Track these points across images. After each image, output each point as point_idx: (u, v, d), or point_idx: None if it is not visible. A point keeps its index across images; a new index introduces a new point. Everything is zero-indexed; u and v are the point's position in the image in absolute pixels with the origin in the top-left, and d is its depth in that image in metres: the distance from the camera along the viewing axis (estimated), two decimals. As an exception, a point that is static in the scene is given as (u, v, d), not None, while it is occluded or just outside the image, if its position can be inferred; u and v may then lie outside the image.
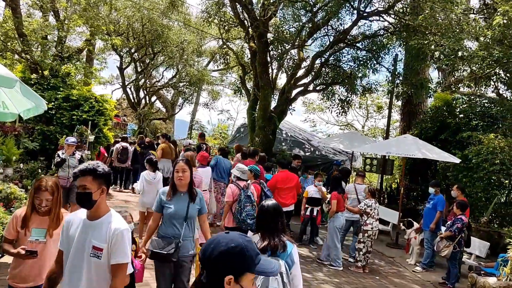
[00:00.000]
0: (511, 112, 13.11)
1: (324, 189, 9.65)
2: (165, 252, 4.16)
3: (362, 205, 8.51)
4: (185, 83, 24.42)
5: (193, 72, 22.50)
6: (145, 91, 24.72)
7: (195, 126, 30.55)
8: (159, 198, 4.46)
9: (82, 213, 2.94)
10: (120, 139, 13.98)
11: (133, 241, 4.39)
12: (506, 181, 11.57)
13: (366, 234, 8.36)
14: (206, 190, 7.91)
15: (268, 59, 14.05)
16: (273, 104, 14.52)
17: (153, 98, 26.79)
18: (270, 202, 3.45)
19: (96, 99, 12.60)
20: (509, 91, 14.06)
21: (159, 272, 4.40)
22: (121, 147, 13.47)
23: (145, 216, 7.87)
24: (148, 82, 25.31)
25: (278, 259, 3.04)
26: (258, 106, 13.98)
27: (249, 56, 15.67)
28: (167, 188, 4.53)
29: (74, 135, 11.16)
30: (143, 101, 24.46)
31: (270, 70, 14.39)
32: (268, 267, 1.77)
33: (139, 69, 23.50)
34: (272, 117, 13.40)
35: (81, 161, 8.37)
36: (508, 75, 12.85)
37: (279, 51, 14.95)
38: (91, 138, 11.87)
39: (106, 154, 13.65)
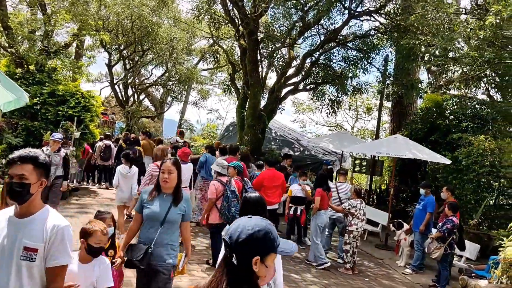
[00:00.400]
0: (502, 114, 13.12)
1: (308, 188, 9.48)
2: (134, 259, 3.81)
3: (346, 205, 8.38)
4: (174, 81, 24.18)
5: (183, 70, 22.28)
6: (133, 89, 24.42)
7: (184, 125, 30.30)
8: (141, 197, 4.11)
9: (4, 212, 2.52)
10: (103, 137, 13.73)
11: (112, 246, 4.06)
12: (496, 184, 11.54)
13: (351, 235, 8.24)
14: (186, 187, 7.81)
15: (258, 57, 13.90)
16: (263, 103, 14.40)
17: (142, 96, 26.50)
18: (253, 194, 3.59)
19: (83, 95, 12.32)
20: (499, 93, 14.07)
21: (137, 278, 4.07)
22: (104, 145, 13.23)
23: (123, 210, 7.94)
24: (137, 80, 25.01)
25: None
26: (247, 104, 13.83)
27: (239, 54, 15.52)
28: (150, 187, 4.18)
29: (59, 131, 10.88)
30: (131, 99, 24.16)
31: (260, 69, 14.25)
32: (288, 248, 1.90)
33: (128, 67, 23.20)
34: (261, 116, 13.26)
35: (65, 159, 8.11)
36: (498, 77, 12.87)
37: (270, 49, 14.82)
38: (77, 134, 11.61)
39: (91, 151, 13.39)
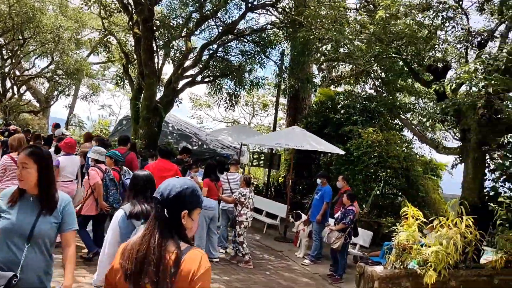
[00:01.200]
0: (387, 107, 13.96)
1: (199, 179, 9.11)
2: None
3: (237, 194, 8.13)
4: (61, 74, 22.27)
5: (71, 62, 20.55)
6: (12, 81, 22.08)
7: (72, 121, 28.28)
8: None
9: None
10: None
11: None
12: (383, 174, 12.20)
13: (242, 225, 8.00)
14: (72, 181, 7.20)
15: (154, 47, 13.23)
16: (159, 95, 13.78)
17: (23, 89, 24.11)
18: (142, 172, 3.66)
19: None
20: (385, 88, 14.97)
21: None
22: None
23: None
24: (17, 71, 22.68)
25: None
26: (142, 96, 13.10)
27: (133, 44, 14.68)
28: (12, 188, 2.93)
29: None
30: (10, 92, 21.82)
31: (156, 60, 13.59)
32: (210, 204, 2.47)
33: (5, 57, 20.91)
34: (157, 108, 12.64)
35: None
36: (384, 72, 13.66)
37: (166, 38, 14.21)
38: None
39: None
